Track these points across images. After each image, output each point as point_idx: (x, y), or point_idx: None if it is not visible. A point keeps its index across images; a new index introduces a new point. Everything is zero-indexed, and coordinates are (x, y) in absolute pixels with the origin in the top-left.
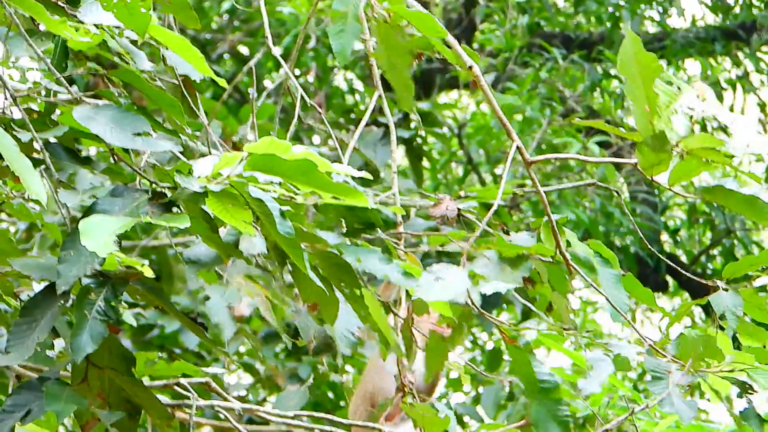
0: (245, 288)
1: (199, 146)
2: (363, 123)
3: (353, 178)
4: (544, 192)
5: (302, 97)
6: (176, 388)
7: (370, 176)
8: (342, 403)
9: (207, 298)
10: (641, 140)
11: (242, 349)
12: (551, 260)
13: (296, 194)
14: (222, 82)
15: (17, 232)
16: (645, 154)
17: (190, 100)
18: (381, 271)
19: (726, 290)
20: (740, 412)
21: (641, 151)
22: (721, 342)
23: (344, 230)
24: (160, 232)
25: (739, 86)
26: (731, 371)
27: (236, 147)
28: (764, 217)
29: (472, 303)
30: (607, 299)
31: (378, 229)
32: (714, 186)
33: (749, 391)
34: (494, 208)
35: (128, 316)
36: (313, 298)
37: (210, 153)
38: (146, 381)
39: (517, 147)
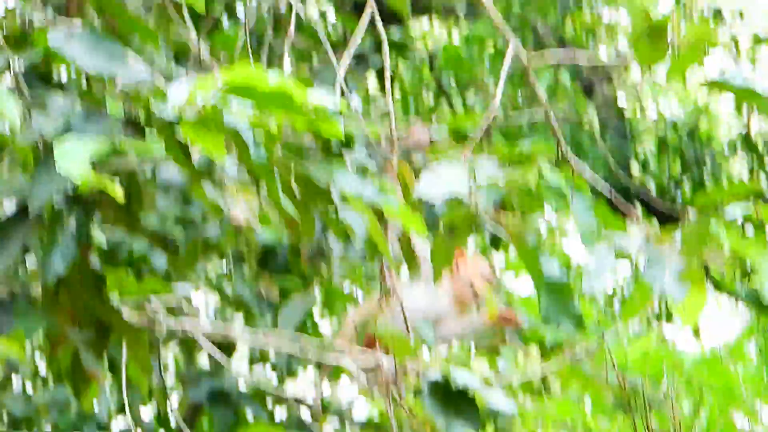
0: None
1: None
2: (352, 47)
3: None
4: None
5: (273, 24)
6: (146, 306)
7: (345, 105)
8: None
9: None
10: (637, 34)
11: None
12: (554, 164)
13: (271, 118)
14: (200, 8)
15: None
16: (641, 48)
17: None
18: (356, 189)
19: (696, 219)
20: (745, 294)
21: (637, 45)
22: None
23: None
24: (130, 154)
25: None
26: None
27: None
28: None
29: (477, 205)
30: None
31: (354, 148)
32: (713, 80)
33: (748, 275)
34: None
35: (99, 235)
36: (290, 217)
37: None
38: (116, 300)
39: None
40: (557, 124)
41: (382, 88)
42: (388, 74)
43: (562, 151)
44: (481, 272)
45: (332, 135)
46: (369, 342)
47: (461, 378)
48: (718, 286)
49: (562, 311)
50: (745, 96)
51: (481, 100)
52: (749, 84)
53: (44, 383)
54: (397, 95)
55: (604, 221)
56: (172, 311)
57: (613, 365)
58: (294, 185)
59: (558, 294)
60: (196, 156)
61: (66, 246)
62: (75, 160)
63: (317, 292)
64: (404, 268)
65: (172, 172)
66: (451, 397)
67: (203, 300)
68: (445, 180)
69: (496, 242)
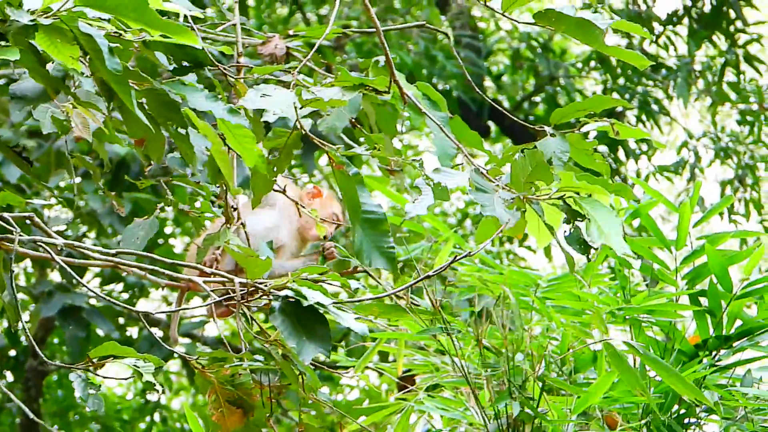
0: (78, 111)
1: None
2: None
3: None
4: (369, 32)
5: None
6: None
7: (200, 14)
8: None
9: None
10: None
11: (62, 184)
12: (386, 92)
13: (125, 31)
14: None
15: None
16: None
17: None
18: (206, 107)
19: (553, 135)
20: (565, 236)
21: None
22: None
23: (172, 67)
24: None
25: None
26: (560, 198)
27: None
28: (594, 40)
29: (301, 126)
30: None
31: (206, 67)
32: (547, 10)
33: (577, 218)
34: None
35: None
36: (140, 134)
37: None
38: None
39: None
40: (411, 38)
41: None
42: None
43: (394, 77)
44: (331, 214)
45: (187, 41)
46: (211, 263)
47: (313, 296)
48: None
49: (376, 247)
50: (575, 32)
51: (336, 12)
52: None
53: None
54: (252, 7)
55: (460, 137)
56: (25, 226)
57: (448, 285)
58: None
59: (373, 229)
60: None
61: None
62: None
63: (169, 210)
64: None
65: (26, 83)
66: (303, 316)
67: (55, 215)
68: (269, 99)
69: (350, 160)
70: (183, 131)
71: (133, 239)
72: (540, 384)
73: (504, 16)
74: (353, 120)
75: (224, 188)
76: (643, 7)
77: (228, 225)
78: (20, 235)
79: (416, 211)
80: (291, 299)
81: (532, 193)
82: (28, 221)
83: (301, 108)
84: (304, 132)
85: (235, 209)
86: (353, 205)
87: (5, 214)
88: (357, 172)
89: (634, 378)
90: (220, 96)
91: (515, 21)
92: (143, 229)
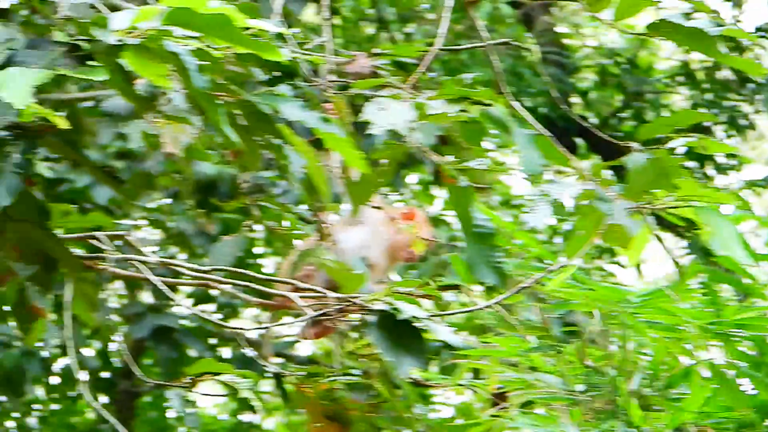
0: (172, 127)
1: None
2: None
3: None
4: (455, 50)
5: None
6: (91, 241)
7: (287, 30)
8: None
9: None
10: None
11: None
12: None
13: (215, 48)
14: None
15: None
16: None
17: None
18: (300, 118)
19: (641, 151)
20: (688, 243)
21: None
22: None
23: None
24: (69, 86)
25: None
26: (676, 207)
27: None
28: (709, 49)
29: (413, 140)
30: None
31: (297, 78)
32: (660, 20)
33: (694, 228)
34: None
35: (41, 169)
36: (236, 145)
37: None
38: (60, 234)
39: None
40: (497, 55)
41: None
42: (326, 2)
43: (503, 88)
44: (422, 235)
45: (273, 57)
46: (306, 279)
47: (408, 310)
48: (661, 221)
49: (486, 262)
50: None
51: (421, 30)
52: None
53: None
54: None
55: (547, 155)
56: (116, 247)
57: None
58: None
59: (483, 243)
60: (140, 86)
61: (10, 178)
62: (18, 88)
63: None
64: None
65: (117, 101)
66: (398, 331)
67: (146, 235)
68: (387, 113)
69: (438, 179)
70: (278, 141)
71: (222, 257)
72: (635, 400)
73: (617, 28)
74: (441, 137)
75: (319, 205)
76: (728, 20)
77: (322, 242)
78: (113, 254)
79: (534, 222)
80: (386, 313)
81: (649, 204)
82: (119, 241)
83: (416, 122)
84: (412, 147)
85: (332, 225)
86: (466, 219)
87: (98, 233)
88: (469, 185)
89: (738, 396)
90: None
91: (625, 32)
92: (232, 247)
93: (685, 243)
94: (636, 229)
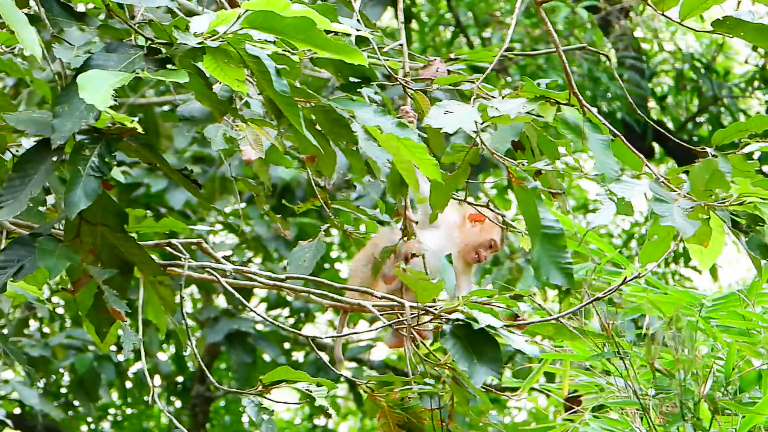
0: (253, 130)
1: (195, 6)
2: None
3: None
4: (532, 55)
5: None
6: (166, 247)
7: (367, 34)
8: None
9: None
10: None
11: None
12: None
13: (292, 52)
14: None
15: (4, 88)
16: None
17: None
18: (375, 123)
19: (715, 156)
20: (746, 241)
21: None
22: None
23: (339, 84)
24: (146, 91)
25: None
26: (740, 204)
27: (234, 4)
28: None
29: (482, 142)
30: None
31: (373, 83)
32: (725, 17)
33: (759, 224)
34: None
35: (117, 173)
36: (311, 150)
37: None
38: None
39: None
40: (574, 60)
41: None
42: (401, 5)
43: (573, 90)
44: (492, 240)
45: (356, 61)
46: (386, 280)
47: (484, 319)
48: (737, 226)
49: (554, 262)
50: (754, 37)
51: (499, 35)
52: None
53: (62, 325)
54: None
55: (621, 160)
56: (191, 252)
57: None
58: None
59: (551, 244)
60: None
61: (88, 181)
62: (98, 90)
63: (334, 232)
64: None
65: (193, 105)
66: (474, 339)
67: (220, 240)
68: (452, 117)
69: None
70: (354, 147)
71: (300, 261)
72: (707, 405)
73: (680, 24)
74: (515, 142)
75: (403, 201)
76: None
77: (406, 239)
78: (189, 261)
79: (599, 221)
80: (461, 322)
81: (712, 201)
82: (194, 247)
83: (482, 124)
84: (483, 148)
85: (415, 222)
86: (533, 220)
87: (174, 240)
88: (536, 186)
89: None
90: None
91: (690, 28)
92: (310, 251)
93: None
94: (691, 230)
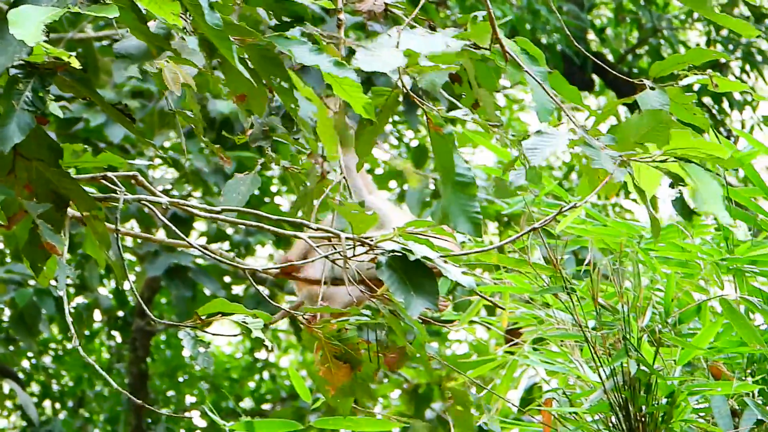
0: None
1: None
2: None
3: None
4: None
5: None
6: (103, 181)
7: None
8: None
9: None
10: None
11: (167, 144)
12: (487, 49)
13: None
14: None
15: None
16: None
17: None
18: (312, 61)
19: (653, 89)
20: (672, 200)
21: None
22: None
23: (273, 24)
24: (85, 26)
25: None
26: (664, 161)
27: None
28: (701, 6)
29: (403, 84)
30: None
31: (306, 22)
32: None
33: (680, 183)
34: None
35: (54, 108)
36: (242, 89)
37: None
38: (72, 174)
39: None
40: None
41: None
42: None
43: (496, 34)
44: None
45: None
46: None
47: (420, 250)
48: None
49: (463, 211)
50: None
51: None
52: None
53: (1, 260)
54: None
55: (559, 92)
56: (129, 186)
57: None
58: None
59: (462, 192)
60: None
61: (22, 115)
62: (29, 26)
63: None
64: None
65: (130, 42)
66: (410, 271)
67: (160, 175)
68: (377, 58)
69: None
70: (286, 85)
71: (235, 194)
72: (646, 337)
73: None
74: (453, 75)
75: (322, 153)
76: None
77: (319, 182)
78: (125, 195)
79: (518, 182)
80: (398, 254)
81: (638, 155)
82: (132, 181)
83: (407, 68)
84: (405, 91)
85: (328, 172)
86: (446, 167)
87: (110, 174)
88: (452, 131)
89: (751, 331)
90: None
91: None
92: (245, 184)
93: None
94: (621, 176)
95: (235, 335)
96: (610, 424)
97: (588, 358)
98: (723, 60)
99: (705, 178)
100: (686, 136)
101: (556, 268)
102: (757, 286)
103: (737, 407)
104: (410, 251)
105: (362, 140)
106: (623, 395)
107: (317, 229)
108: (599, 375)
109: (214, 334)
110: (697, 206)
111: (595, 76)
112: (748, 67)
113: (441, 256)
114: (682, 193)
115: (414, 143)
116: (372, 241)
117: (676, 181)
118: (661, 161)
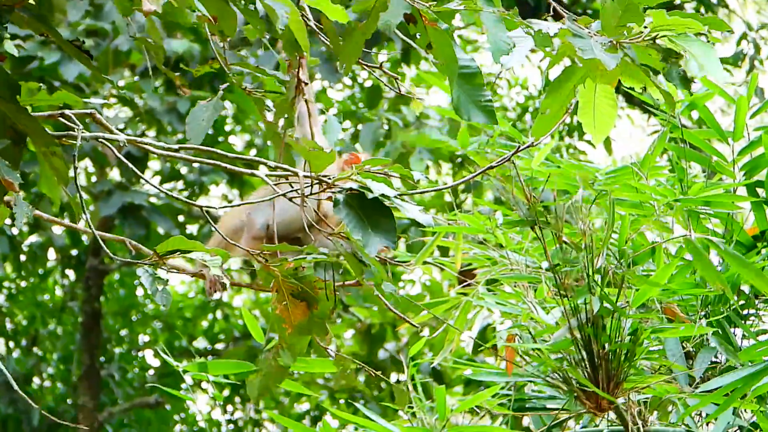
0: None
1: None
2: None
3: None
4: None
5: None
6: (60, 119)
7: None
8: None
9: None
10: None
11: (121, 83)
12: None
13: None
14: None
15: None
16: None
17: None
18: None
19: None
20: (665, 73)
21: None
22: None
23: None
24: None
25: None
26: (654, 38)
27: None
28: None
29: None
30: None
31: None
32: None
33: (674, 57)
34: None
35: (9, 47)
36: (213, 11)
37: None
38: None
39: None
40: None
41: None
42: None
43: None
44: None
45: None
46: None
47: (377, 188)
48: (631, 99)
49: (473, 101)
50: None
51: None
52: None
53: None
54: None
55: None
56: (85, 124)
57: (521, 179)
58: None
59: (470, 83)
60: None
61: None
62: None
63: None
64: None
65: None
66: (367, 209)
67: (114, 114)
68: None
69: (407, 57)
70: (252, 7)
71: (199, 121)
72: (599, 277)
73: None
74: (407, 15)
75: (298, 60)
76: None
77: (297, 97)
78: (82, 132)
79: (513, 62)
80: (355, 192)
81: (625, 38)
82: (88, 119)
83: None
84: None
85: (306, 84)
86: (449, 60)
87: (67, 111)
88: (448, 27)
89: (714, 272)
90: None
91: None
92: (208, 110)
93: (653, 120)
94: (612, 63)
95: (194, 274)
96: (573, 362)
97: (541, 300)
98: (677, 2)
99: (699, 46)
100: (662, 14)
101: (529, 202)
102: (710, 228)
103: (692, 349)
104: (368, 189)
105: (350, 44)
106: (586, 333)
107: (276, 167)
108: (564, 311)
109: (173, 270)
110: (693, 73)
111: (549, 19)
112: (702, 10)
113: (398, 195)
114: (677, 64)
115: (369, 83)
116: (329, 179)
117: (667, 55)
118: (650, 39)
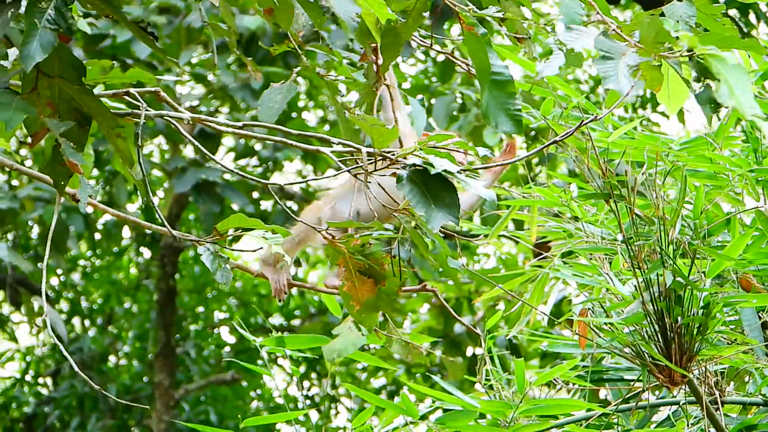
0: None
1: None
2: None
3: None
4: None
5: None
6: (126, 97)
7: None
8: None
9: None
10: None
11: (194, 60)
12: None
13: None
14: None
15: None
16: None
17: None
18: None
19: (680, 0)
20: (696, 95)
21: None
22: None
23: None
24: None
25: None
26: (690, 56)
27: None
28: None
29: None
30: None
31: None
32: None
33: (708, 77)
34: None
35: (82, 24)
36: (268, 3)
37: None
38: (98, 91)
39: None
40: None
41: None
42: None
43: None
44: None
45: None
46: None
47: (440, 164)
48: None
49: (503, 109)
50: None
51: None
52: None
53: (29, 178)
54: None
55: (587, 3)
56: (154, 102)
57: (596, 151)
58: None
59: (501, 90)
60: None
61: (44, 33)
62: None
63: (301, 81)
64: None
65: None
66: (431, 184)
67: (187, 91)
68: None
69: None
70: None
71: (272, 103)
72: (673, 249)
73: None
74: None
75: (371, 48)
76: None
77: (374, 85)
78: (147, 110)
79: (547, 72)
80: (419, 167)
81: (662, 51)
82: (156, 97)
83: None
84: None
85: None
86: (482, 66)
87: (133, 90)
88: (485, 32)
89: None
90: None
91: None
92: (281, 93)
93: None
94: (627, 87)
95: (255, 251)
96: (646, 335)
97: (617, 271)
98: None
99: (733, 72)
100: (694, 39)
101: (604, 174)
102: None
103: None
104: (431, 164)
105: (389, 44)
106: (659, 306)
107: (339, 143)
108: (636, 286)
109: (235, 250)
110: (724, 100)
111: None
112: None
113: (462, 170)
114: (710, 89)
115: (440, 58)
116: (393, 155)
117: (703, 76)
118: (688, 55)
